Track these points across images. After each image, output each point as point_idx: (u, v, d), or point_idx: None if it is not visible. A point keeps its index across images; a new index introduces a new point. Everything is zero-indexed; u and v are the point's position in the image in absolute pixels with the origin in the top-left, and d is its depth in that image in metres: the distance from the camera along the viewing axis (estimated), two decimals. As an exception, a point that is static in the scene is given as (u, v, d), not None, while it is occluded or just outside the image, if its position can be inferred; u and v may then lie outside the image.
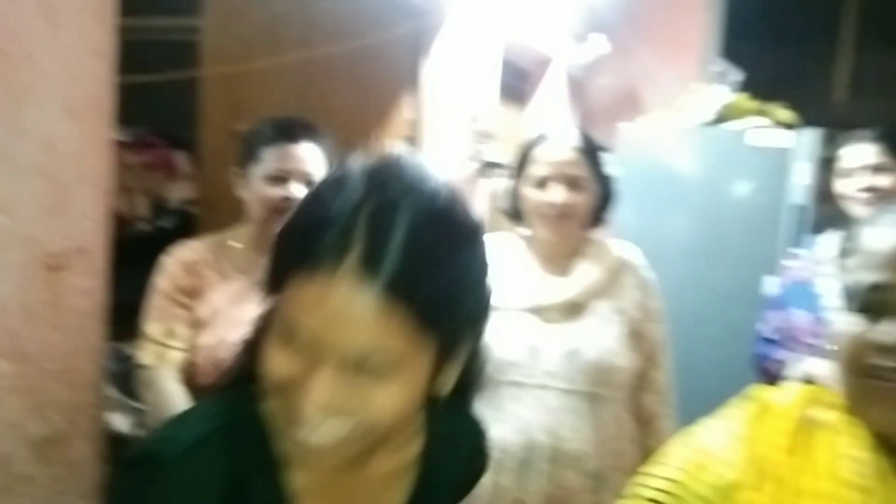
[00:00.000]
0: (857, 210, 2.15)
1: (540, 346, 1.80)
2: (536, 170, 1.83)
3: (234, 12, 2.40)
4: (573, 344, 1.80)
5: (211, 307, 1.71)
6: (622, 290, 1.89)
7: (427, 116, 2.45)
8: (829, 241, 2.26)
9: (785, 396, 0.89)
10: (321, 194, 0.73)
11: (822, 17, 4.83)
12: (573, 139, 1.85)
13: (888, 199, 2.11)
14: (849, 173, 2.16)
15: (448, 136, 2.56)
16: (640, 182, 3.27)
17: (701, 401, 3.13)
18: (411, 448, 0.87)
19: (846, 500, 0.79)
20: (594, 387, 1.80)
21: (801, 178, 2.79)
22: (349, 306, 0.68)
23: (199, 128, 2.52)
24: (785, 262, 2.33)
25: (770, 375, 2.20)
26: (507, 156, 1.99)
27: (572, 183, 1.80)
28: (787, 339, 2.20)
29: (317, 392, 0.70)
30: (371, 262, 0.68)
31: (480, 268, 0.77)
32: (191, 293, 1.72)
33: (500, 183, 1.92)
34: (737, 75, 3.48)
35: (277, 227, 0.78)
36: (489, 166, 2.77)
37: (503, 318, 1.83)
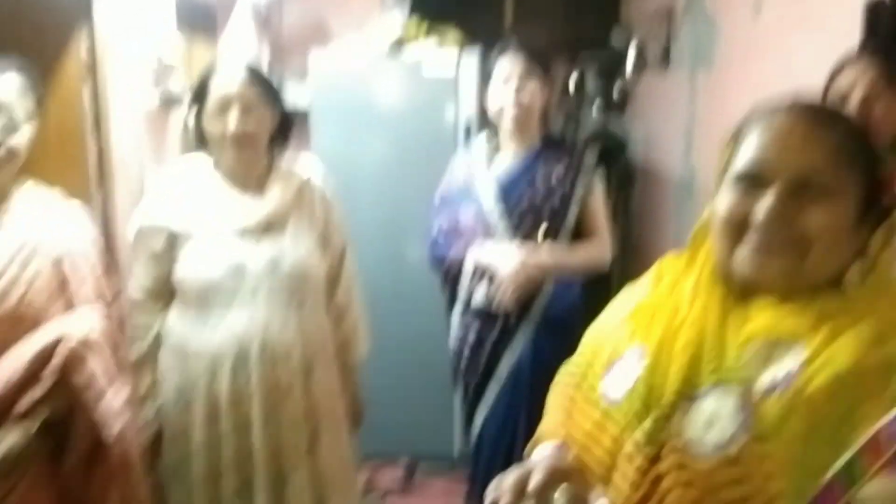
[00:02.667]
0: (510, 117, 2.36)
1: (243, 264, 1.95)
2: (213, 99, 1.96)
3: None
4: (272, 257, 1.98)
5: None
6: (308, 205, 2.09)
7: (105, 51, 2.42)
8: (479, 143, 2.50)
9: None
10: None
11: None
12: (243, 69, 1.99)
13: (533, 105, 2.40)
14: (499, 84, 2.37)
15: (129, 71, 2.54)
16: (334, 109, 3.46)
17: (399, 296, 3.46)
18: None
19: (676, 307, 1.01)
20: (295, 291, 2.01)
21: (470, 100, 3.15)
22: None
23: None
24: (448, 169, 2.53)
25: (451, 271, 2.43)
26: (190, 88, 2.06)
27: (246, 110, 1.95)
28: (456, 236, 2.39)
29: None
30: None
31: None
32: None
33: (187, 114, 2.00)
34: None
35: None
36: (174, 99, 2.78)
37: (205, 241, 1.96)
